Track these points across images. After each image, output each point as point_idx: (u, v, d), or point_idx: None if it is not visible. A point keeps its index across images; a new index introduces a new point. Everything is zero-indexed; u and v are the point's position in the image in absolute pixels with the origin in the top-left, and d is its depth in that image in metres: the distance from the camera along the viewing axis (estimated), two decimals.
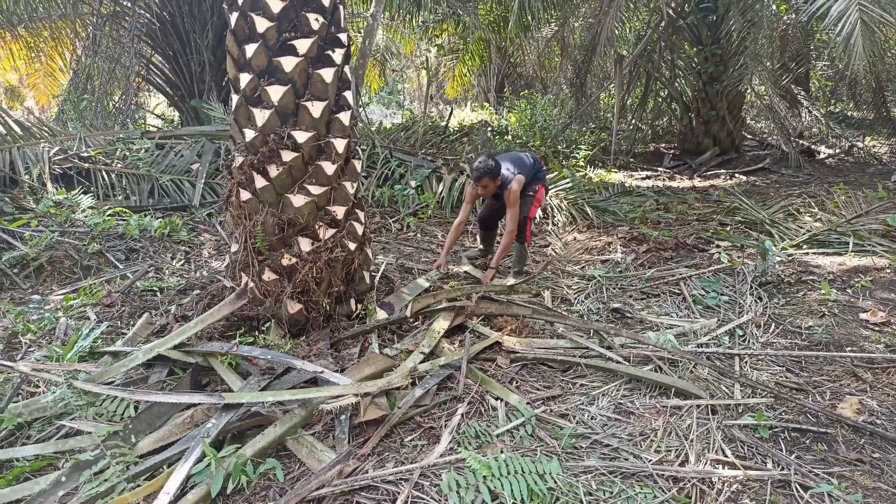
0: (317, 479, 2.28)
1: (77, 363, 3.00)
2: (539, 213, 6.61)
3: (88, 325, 3.49)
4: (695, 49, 10.78)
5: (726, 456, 2.48)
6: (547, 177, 7.11)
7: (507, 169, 4.51)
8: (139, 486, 2.25)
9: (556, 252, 5.56)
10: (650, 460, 2.45)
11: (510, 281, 4.53)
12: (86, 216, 5.30)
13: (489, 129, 11.70)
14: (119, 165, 6.48)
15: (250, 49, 3.24)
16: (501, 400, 2.92)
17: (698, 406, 2.84)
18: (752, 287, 4.28)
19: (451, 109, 11.40)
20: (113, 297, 4.06)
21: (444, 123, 10.14)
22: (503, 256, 4.58)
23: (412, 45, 17.60)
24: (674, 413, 2.81)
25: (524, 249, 4.75)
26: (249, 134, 3.33)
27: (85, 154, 6.47)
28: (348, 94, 3.58)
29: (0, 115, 6.36)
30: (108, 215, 5.37)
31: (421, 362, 3.14)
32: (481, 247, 5.26)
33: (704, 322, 3.77)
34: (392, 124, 11.63)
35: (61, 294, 4.25)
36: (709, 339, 3.55)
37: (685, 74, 11.36)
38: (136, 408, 2.76)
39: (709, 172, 9.87)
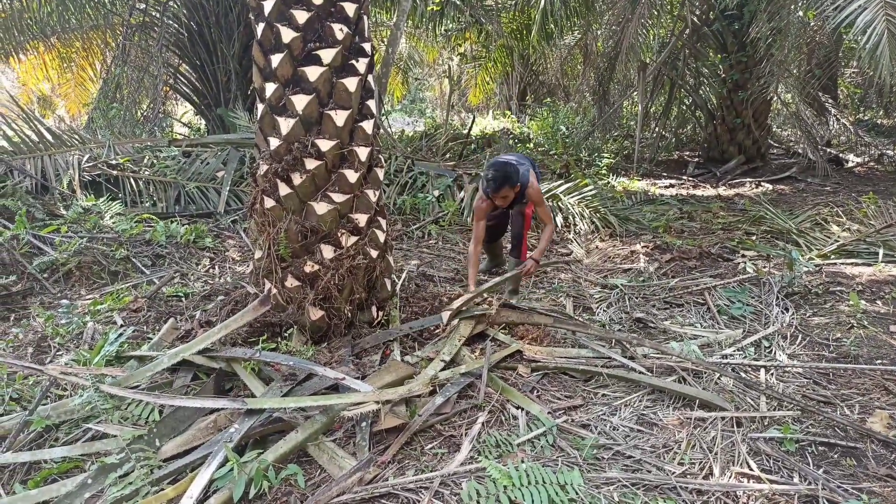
0: (337, 486, 2.28)
1: (104, 367, 3.05)
2: (560, 221, 6.60)
3: (115, 330, 3.55)
4: (720, 56, 10.68)
5: (751, 469, 2.43)
6: (566, 185, 7.12)
7: (518, 164, 4.22)
8: (163, 489, 2.28)
9: (577, 260, 5.53)
10: (673, 473, 2.42)
11: (512, 300, 4.24)
12: (114, 222, 5.41)
13: (511, 136, 11.70)
14: (147, 173, 6.60)
15: (276, 59, 3.29)
16: (522, 409, 2.90)
17: (723, 418, 2.79)
18: (778, 298, 4.21)
19: (474, 117, 11.42)
20: (139, 303, 4.13)
21: (465, 131, 10.16)
22: (544, 251, 4.35)
23: (435, 53, 17.71)
24: (698, 425, 2.77)
25: (521, 266, 4.44)
26: (274, 142, 3.37)
27: (113, 161, 6.60)
28: (371, 103, 3.60)
29: (33, 123, 6.53)
30: (135, 221, 5.46)
31: (441, 370, 3.14)
32: (486, 256, 5.00)
33: (729, 333, 3.72)
34: (414, 132, 11.69)
35: (89, 299, 4.34)
36: (734, 350, 3.50)
37: (710, 82, 11.26)
38: (160, 412, 2.80)
39: (734, 181, 9.75)
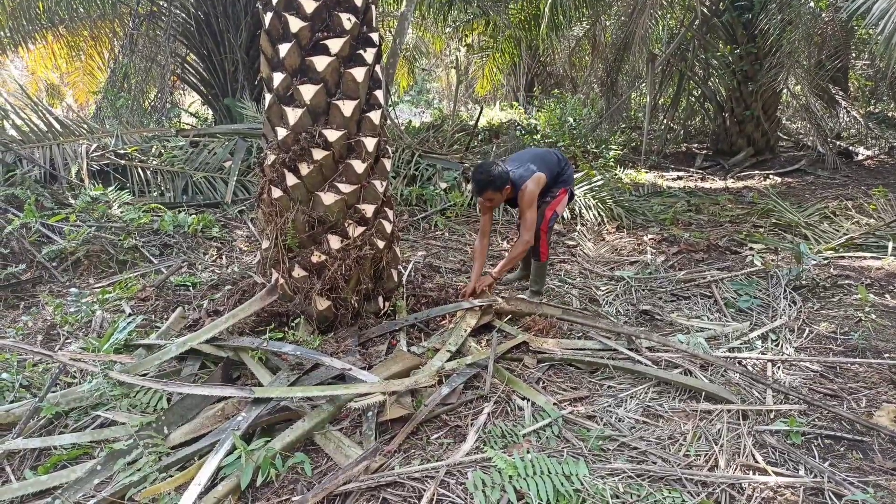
0: (344, 474, 2.30)
1: (113, 355, 3.07)
2: (566, 213, 6.57)
3: (124, 319, 3.58)
4: (729, 48, 10.58)
5: (757, 462, 2.43)
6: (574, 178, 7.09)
7: (525, 168, 3.96)
8: (171, 476, 2.30)
9: (584, 252, 5.52)
10: (679, 464, 2.42)
11: (533, 301, 4.06)
12: (122, 212, 5.43)
13: (518, 128, 11.66)
14: (154, 162, 6.62)
15: (284, 49, 3.28)
16: (528, 400, 2.91)
17: (729, 411, 2.79)
18: (786, 291, 4.19)
19: (481, 108, 11.38)
20: (147, 292, 4.16)
21: (473, 123, 10.13)
22: (507, 268, 3.97)
23: (442, 43, 17.62)
24: (703, 417, 2.77)
25: (542, 268, 4.24)
26: (281, 132, 3.37)
27: (121, 151, 6.62)
28: (379, 94, 3.60)
29: (42, 112, 6.55)
30: (143, 211, 5.48)
31: (447, 361, 3.15)
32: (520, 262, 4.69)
33: (736, 326, 3.71)
34: (421, 123, 11.66)
35: (98, 287, 4.37)
36: (740, 343, 3.49)
37: (719, 73, 11.16)
38: (168, 400, 2.82)
39: (742, 173, 9.69)
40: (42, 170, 6.12)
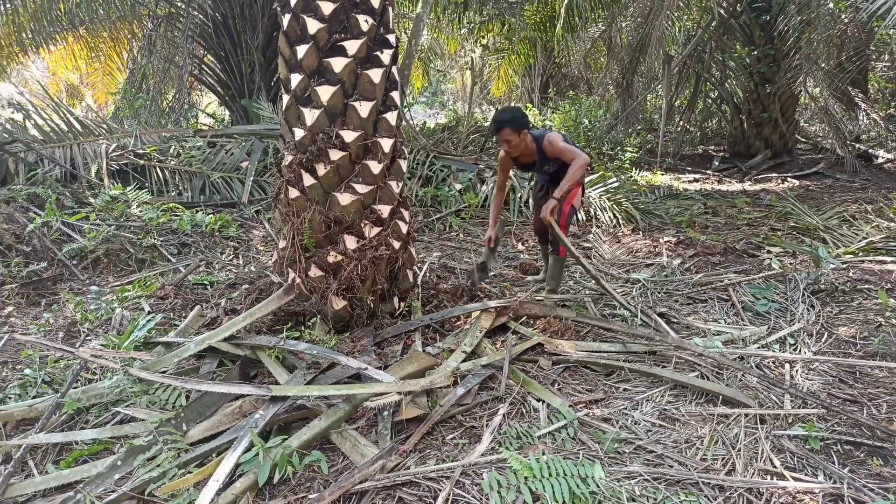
0: (360, 473, 2.31)
1: (133, 352, 3.11)
2: (581, 214, 6.56)
3: (143, 316, 3.62)
4: (747, 49, 10.51)
5: (775, 467, 2.41)
6: (588, 178, 7.08)
7: (542, 130, 4.08)
8: (190, 472, 2.33)
9: (599, 254, 5.50)
10: (696, 468, 2.40)
11: (551, 299, 4.14)
12: (141, 211, 5.50)
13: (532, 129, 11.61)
14: (172, 162, 6.69)
15: (301, 50, 3.31)
16: (543, 402, 2.91)
17: (746, 415, 2.77)
18: (804, 295, 4.15)
19: (497, 110, 11.37)
20: (166, 290, 4.20)
21: (488, 124, 10.13)
22: (566, 189, 3.87)
23: (457, 45, 17.63)
24: (721, 421, 2.75)
25: (560, 264, 4.26)
26: (299, 133, 3.40)
27: (140, 151, 6.70)
28: (395, 95, 3.61)
29: (62, 112, 6.65)
30: (161, 210, 5.55)
31: (463, 361, 3.15)
32: (544, 265, 4.75)
33: (754, 329, 3.68)
34: (436, 124, 11.69)
35: (117, 285, 4.42)
36: (758, 347, 3.46)
37: (736, 75, 11.10)
38: (187, 397, 2.85)
39: (760, 176, 9.61)
40: (63, 169, 6.21)
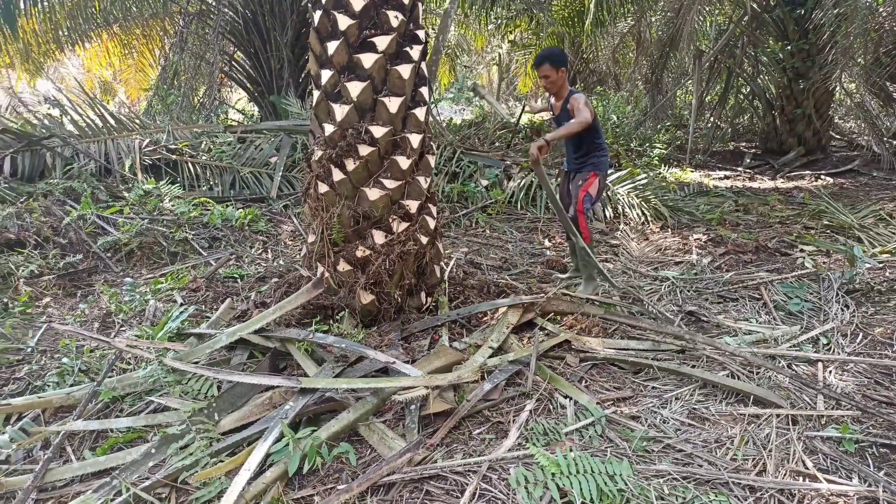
0: (388, 465, 2.33)
1: (167, 342, 3.18)
2: (609, 211, 6.50)
3: (176, 308, 3.69)
4: (780, 44, 10.29)
5: (807, 468, 2.37)
6: (616, 174, 7.01)
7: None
8: (222, 461, 2.37)
9: (627, 252, 5.45)
10: (726, 468, 2.38)
11: (588, 289, 4.18)
12: (173, 205, 5.60)
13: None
14: (204, 157, 6.80)
15: (332, 46, 3.34)
16: (570, 398, 2.90)
17: (778, 415, 2.73)
18: (838, 294, 4.07)
19: (524, 105, 11.32)
20: (198, 283, 4.28)
21: (515, 120, 10.09)
22: (559, 137, 3.97)
23: (483, 41, 17.58)
24: (751, 421, 2.72)
25: (587, 250, 4.17)
26: (329, 128, 3.43)
27: (173, 146, 6.81)
28: (424, 90, 3.62)
29: (98, 108, 6.80)
30: (193, 205, 5.64)
31: (489, 357, 3.15)
32: (572, 262, 4.75)
33: (786, 329, 3.61)
34: (462, 120, 11.67)
35: (150, 277, 4.51)
36: (790, 347, 3.40)
37: (769, 70, 10.87)
38: (219, 387, 2.90)
39: (792, 173, 9.42)
40: (97, 164, 6.35)
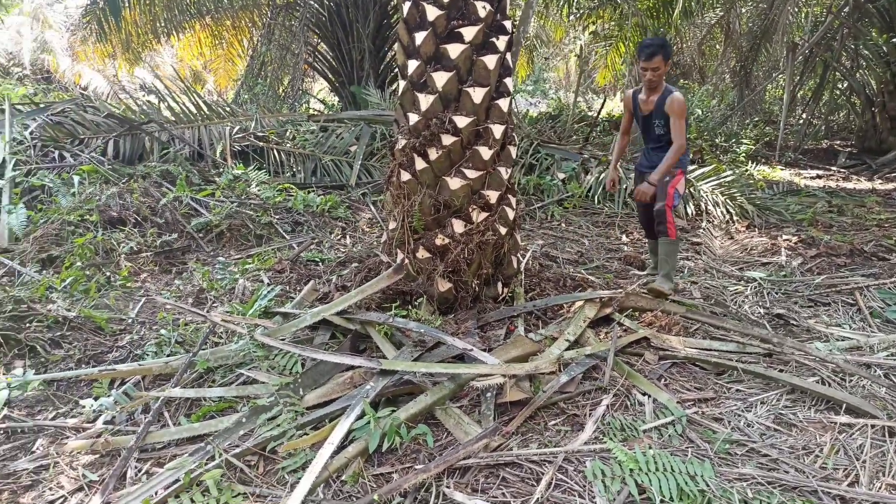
0: (464, 449, 2.37)
1: (258, 319, 3.34)
2: (691, 209, 6.31)
3: (265, 287, 3.87)
4: (884, 36, 9.63)
5: None
6: (700, 170, 6.77)
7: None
8: (307, 433, 2.48)
9: (709, 251, 5.27)
10: (815, 476, 2.29)
11: (665, 286, 3.91)
12: (259, 190, 5.84)
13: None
14: (288, 145, 7.04)
15: (420, 36, 3.38)
16: (649, 396, 2.85)
17: (873, 426, 2.59)
18: None
19: (604, 99, 11.11)
20: (283, 265, 4.46)
21: (594, 113, 9.92)
22: (663, 173, 3.90)
23: (562, 32, 17.29)
24: (843, 430, 2.60)
25: (672, 247, 4.03)
26: (413, 118, 3.49)
27: (260, 133, 7.09)
28: (508, 81, 3.62)
29: (192, 96, 7.15)
30: (277, 190, 5.87)
31: (566, 350, 3.14)
32: (650, 260, 4.63)
33: (883, 337, 3.42)
34: (539, 113, 11.57)
35: (238, 258, 4.73)
36: (888, 356, 3.22)
37: (870, 64, 10.20)
38: (302, 364, 3.03)
39: (892, 174, 8.83)
40: (191, 148, 6.69)
